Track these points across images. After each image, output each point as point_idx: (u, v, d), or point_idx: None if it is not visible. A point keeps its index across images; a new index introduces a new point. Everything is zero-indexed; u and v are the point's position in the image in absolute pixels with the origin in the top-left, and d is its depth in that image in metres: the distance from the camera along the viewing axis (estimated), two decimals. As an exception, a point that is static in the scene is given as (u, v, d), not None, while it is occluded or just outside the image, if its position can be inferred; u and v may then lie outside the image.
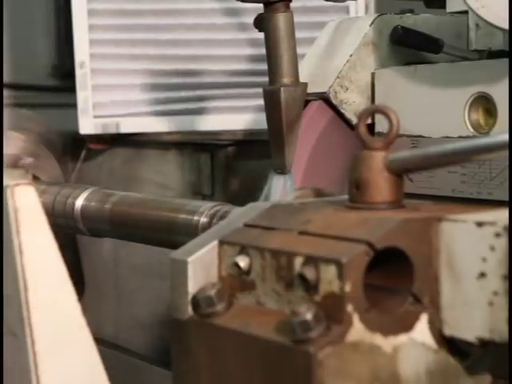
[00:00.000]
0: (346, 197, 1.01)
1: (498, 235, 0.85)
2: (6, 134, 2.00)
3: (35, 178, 1.42)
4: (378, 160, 0.96)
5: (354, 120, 1.53)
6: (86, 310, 2.29)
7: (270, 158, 1.56)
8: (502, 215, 0.89)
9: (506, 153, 0.88)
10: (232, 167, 2.20)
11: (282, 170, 1.55)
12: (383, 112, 0.96)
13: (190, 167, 2.24)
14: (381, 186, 0.96)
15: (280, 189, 1.55)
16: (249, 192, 1.85)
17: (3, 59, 2.89)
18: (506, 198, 1.39)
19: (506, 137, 0.87)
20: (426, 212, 0.94)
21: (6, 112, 3.03)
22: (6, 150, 1.92)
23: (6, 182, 1.10)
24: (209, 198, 2.19)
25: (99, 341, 2.03)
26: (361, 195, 0.97)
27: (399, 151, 0.97)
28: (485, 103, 1.43)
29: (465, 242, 0.89)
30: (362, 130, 0.97)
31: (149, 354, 2.27)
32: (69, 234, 2.08)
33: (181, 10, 2.29)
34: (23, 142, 1.89)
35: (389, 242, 0.88)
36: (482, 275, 0.87)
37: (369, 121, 1.60)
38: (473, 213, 0.92)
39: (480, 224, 0.87)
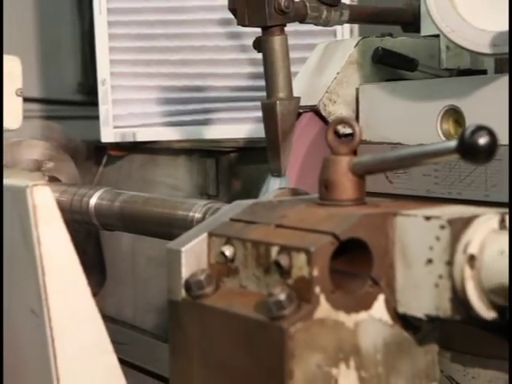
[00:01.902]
0: (316, 195, 1.01)
1: (442, 227, 0.86)
2: (31, 142, 2.04)
3: (56, 180, 1.42)
4: (343, 164, 0.96)
5: (341, 130, 1.52)
6: (108, 296, 2.32)
7: (267, 162, 1.57)
8: (446, 210, 0.91)
9: (451, 158, 0.89)
10: (234, 171, 2.20)
11: (278, 173, 1.56)
12: (348, 123, 0.97)
13: (198, 171, 2.24)
14: (345, 186, 0.96)
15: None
16: (249, 193, 1.86)
17: (34, 76, 2.95)
18: (472, 197, 1.40)
19: (450, 144, 0.87)
20: (384, 208, 0.95)
21: (38, 123, 3.09)
22: (31, 156, 1.98)
23: (25, 182, 1.10)
24: (214, 198, 2.18)
25: (119, 322, 2.05)
26: (328, 194, 0.97)
27: (362, 156, 0.98)
28: (454, 115, 1.44)
29: (415, 233, 0.90)
30: (330, 137, 0.97)
31: (162, 333, 2.27)
32: (92, 229, 2.10)
33: (189, 34, 2.29)
34: (46, 149, 1.92)
35: (351, 233, 0.89)
36: (430, 261, 0.88)
37: (350, 130, 1.66)
38: (422, 209, 0.92)
39: (428, 218, 0.88)
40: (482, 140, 0.85)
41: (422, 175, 1.49)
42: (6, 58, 2.09)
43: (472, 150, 0.85)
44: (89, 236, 2.21)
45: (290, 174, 1.58)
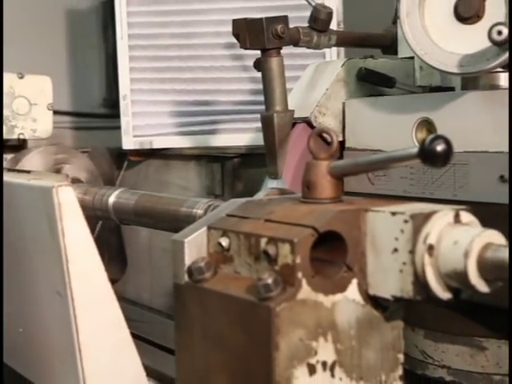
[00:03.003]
0: (300, 195, 1.02)
1: (406, 221, 0.87)
2: (74, 153, 2.06)
3: (78, 181, 1.42)
4: (322, 167, 0.97)
5: (329, 138, 1.53)
6: (128, 282, 2.33)
7: (266, 166, 1.56)
8: (409, 207, 0.91)
9: (414, 162, 0.89)
10: (237, 174, 2.20)
11: (275, 175, 1.55)
12: (327, 133, 0.97)
13: (206, 174, 2.24)
14: (324, 186, 0.97)
15: None
16: (250, 193, 1.86)
17: (65, 92, 2.95)
18: (443, 197, 1.39)
19: (412, 150, 0.88)
20: (357, 205, 0.95)
21: (69, 133, 3.11)
22: (51, 160, 1.94)
23: (52, 183, 1.10)
24: (220, 197, 2.17)
25: (138, 304, 2.06)
26: (310, 193, 0.98)
27: (338, 160, 0.98)
28: (427, 125, 1.43)
29: (383, 227, 0.90)
30: (312, 144, 0.98)
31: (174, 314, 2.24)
32: (115, 225, 2.08)
33: (199, 56, 2.28)
34: (63, 153, 1.93)
35: (329, 227, 0.90)
36: (395, 250, 0.89)
37: (340, 138, 1.66)
38: (389, 206, 0.92)
39: (394, 213, 0.89)
40: (439, 147, 0.86)
41: (399, 177, 1.48)
42: (39, 77, 2.12)
43: (431, 155, 0.86)
44: (112, 231, 2.22)
45: (286, 177, 1.57)
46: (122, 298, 2.08)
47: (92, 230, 1.95)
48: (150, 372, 1.19)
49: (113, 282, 2.24)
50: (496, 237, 0.87)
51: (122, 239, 2.29)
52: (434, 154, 0.86)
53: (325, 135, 0.98)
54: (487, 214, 1.18)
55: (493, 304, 1.14)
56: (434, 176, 1.43)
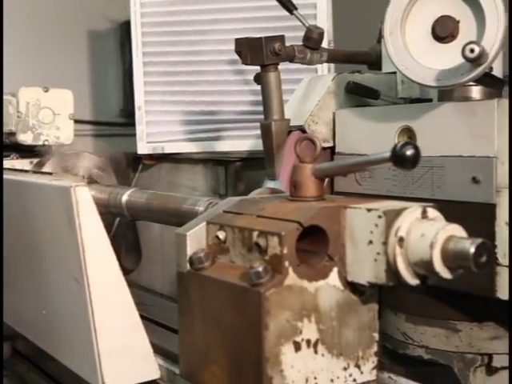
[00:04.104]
0: (288, 193, 1.02)
1: (379, 217, 0.88)
2: (87, 155, 2.08)
3: (94, 182, 1.42)
4: (307, 169, 0.97)
5: (313, 144, 1.50)
6: (142, 272, 2.33)
7: (264, 169, 1.56)
8: (383, 204, 0.92)
9: (387, 165, 0.90)
10: (239, 176, 2.20)
11: (273, 177, 1.55)
12: (311, 140, 0.97)
13: (211, 176, 2.24)
14: (309, 186, 0.98)
15: None
16: (250, 192, 1.88)
17: (86, 104, 2.95)
18: (422, 196, 1.38)
19: (385, 155, 0.89)
20: (338, 202, 0.96)
21: (90, 140, 3.13)
22: (84, 164, 1.99)
23: (70, 184, 1.11)
24: (224, 196, 2.14)
25: (151, 291, 2.06)
26: (296, 192, 0.99)
27: (321, 163, 0.98)
28: (408, 132, 1.43)
29: (360, 221, 0.91)
30: (298, 150, 0.99)
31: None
32: (130, 221, 2.07)
33: (205, 71, 2.28)
34: (96, 161, 1.96)
35: (312, 221, 0.91)
36: (370, 242, 0.90)
37: (331, 144, 1.66)
38: (366, 203, 0.93)
39: (369, 210, 0.90)
40: (409, 152, 0.87)
41: (383, 179, 1.47)
42: (61, 90, 2.14)
43: (401, 159, 0.87)
44: (128, 227, 2.23)
45: (282, 178, 1.57)
46: (136, 286, 2.10)
47: (110, 226, 1.97)
48: (156, 349, 1.20)
49: (129, 271, 2.26)
50: (457, 230, 0.87)
51: (137, 234, 2.29)
52: (403, 158, 0.87)
53: (310, 142, 0.99)
54: (461, 211, 1.20)
55: (461, 290, 1.15)
56: (415, 177, 1.43)
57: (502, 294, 1.17)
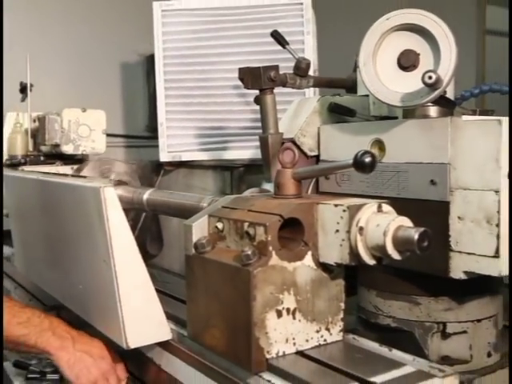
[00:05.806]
0: (272, 192, 1.05)
1: (344, 211, 0.92)
2: (116, 162, 2.13)
3: (122, 183, 1.42)
4: (288, 173, 1.01)
5: (309, 153, 1.51)
6: (164, 257, 2.30)
7: (262, 173, 1.53)
8: (347, 201, 0.95)
9: (350, 169, 0.93)
10: (242, 179, 2.19)
11: (269, 180, 1.49)
12: (291, 149, 1.01)
13: (219, 179, 2.23)
14: (289, 187, 1.01)
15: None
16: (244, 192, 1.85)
17: (118, 120, 2.97)
18: (390, 195, 1.31)
19: (349, 161, 0.91)
20: (312, 199, 0.98)
21: (121, 150, 3.17)
22: (116, 170, 2.02)
23: (100, 185, 1.13)
24: (230, 195, 2.14)
25: (171, 272, 2.05)
26: (279, 191, 1.02)
27: (299, 168, 1.00)
28: (379, 144, 1.37)
29: (329, 214, 0.95)
30: (281, 157, 1.02)
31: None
32: (153, 215, 2.07)
33: (214, 94, 2.28)
34: (127, 169, 2.01)
35: (291, 214, 0.94)
36: (337, 231, 0.93)
37: (316, 153, 1.65)
38: (334, 200, 0.96)
39: (336, 205, 0.94)
40: (367, 159, 0.91)
41: (359, 181, 1.43)
42: (96, 111, 2.20)
43: (360, 165, 0.91)
44: (152, 220, 2.24)
45: None
46: (159, 268, 2.10)
47: (138, 220, 2.00)
48: (169, 316, 1.21)
49: (153, 256, 2.26)
50: (405, 221, 0.91)
51: (160, 226, 2.29)
52: (363, 164, 0.91)
53: (290, 151, 1.03)
54: (422, 208, 1.21)
55: (422, 271, 1.15)
56: (384, 180, 1.39)
57: (454, 273, 1.19)
